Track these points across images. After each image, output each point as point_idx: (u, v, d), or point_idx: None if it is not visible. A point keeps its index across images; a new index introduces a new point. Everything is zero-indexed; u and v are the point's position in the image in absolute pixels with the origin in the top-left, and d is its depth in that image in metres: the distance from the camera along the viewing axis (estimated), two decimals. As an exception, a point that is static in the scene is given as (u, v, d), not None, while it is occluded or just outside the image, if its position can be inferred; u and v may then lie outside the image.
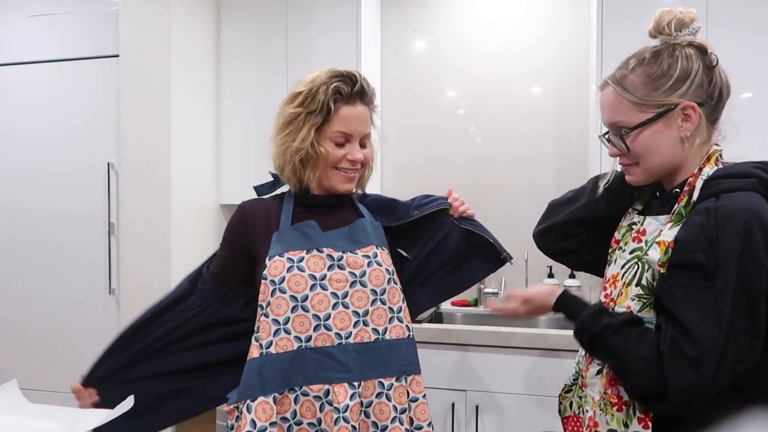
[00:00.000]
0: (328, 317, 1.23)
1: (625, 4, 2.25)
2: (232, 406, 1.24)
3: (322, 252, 1.26)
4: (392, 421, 1.23)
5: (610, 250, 1.20)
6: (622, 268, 1.11)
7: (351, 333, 1.24)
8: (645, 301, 1.04)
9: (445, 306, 2.72)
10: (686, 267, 0.95)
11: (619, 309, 1.07)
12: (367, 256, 1.28)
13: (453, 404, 2.18)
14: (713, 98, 1.05)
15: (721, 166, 1.06)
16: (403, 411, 1.25)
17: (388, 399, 1.24)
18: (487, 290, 2.68)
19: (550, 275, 2.62)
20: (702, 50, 1.06)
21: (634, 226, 1.14)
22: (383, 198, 1.47)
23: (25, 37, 2.71)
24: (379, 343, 1.26)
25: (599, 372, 1.11)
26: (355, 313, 1.25)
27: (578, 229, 1.28)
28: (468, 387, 2.17)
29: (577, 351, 1.28)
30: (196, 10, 2.61)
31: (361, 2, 2.55)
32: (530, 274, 2.63)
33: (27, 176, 2.72)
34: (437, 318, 2.64)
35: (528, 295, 1.22)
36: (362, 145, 1.32)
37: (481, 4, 2.77)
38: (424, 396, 1.28)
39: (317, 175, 1.30)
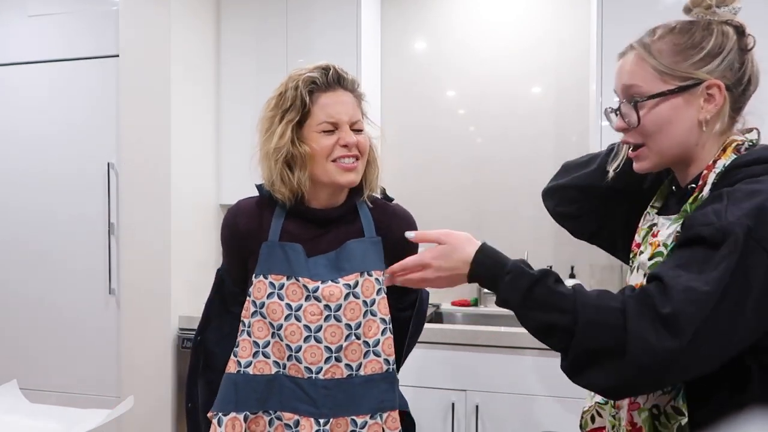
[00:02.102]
0: (299, 349, 1.19)
1: (625, 5, 2.25)
2: (211, 413, 1.23)
3: (299, 281, 1.21)
4: None
5: (631, 255, 1.09)
6: (645, 277, 0.97)
7: (322, 368, 1.19)
8: None
9: (445, 306, 2.72)
10: (687, 243, 0.86)
11: None
12: (348, 286, 1.20)
13: (453, 404, 2.18)
14: (741, 84, 0.96)
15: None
16: None
17: None
18: (487, 290, 2.67)
19: (550, 275, 2.62)
20: (740, 30, 0.96)
21: (653, 228, 1.03)
22: (409, 219, 1.34)
23: (25, 37, 2.71)
24: (353, 380, 1.20)
25: None
26: (328, 348, 1.19)
27: (581, 195, 1.19)
28: (468, 387, 2.17)
29: None
30: (196, 10, 2.61)
31: (361, 2, 2.55)
32: (530, 274, 2.63)
33: (27, 176, 2.72)
34: (437, 318, 2.64)
35: (425, 259, 1.02)
36: (357, 131, 1.23)
37: (481, 4, 2.77)
38: None
39: (309, 174, 1.21)
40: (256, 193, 1.34)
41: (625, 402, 1.01)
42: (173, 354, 2.47)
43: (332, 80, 1.22)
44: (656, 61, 0.95)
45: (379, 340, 1.21)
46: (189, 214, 2.58)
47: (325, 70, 1.22)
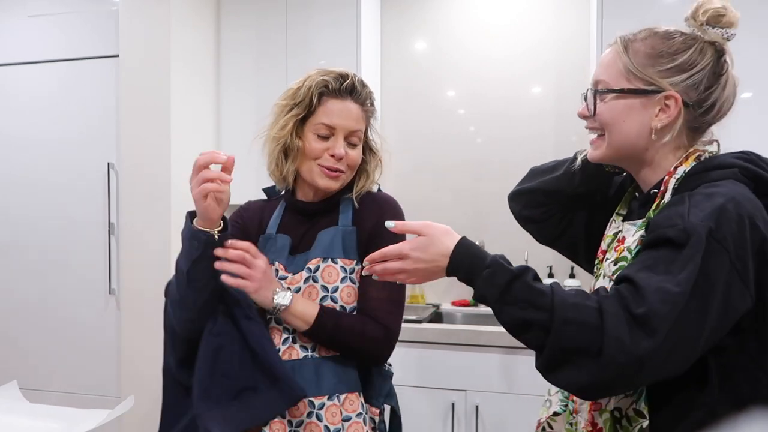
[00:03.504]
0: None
1: (625, 5, 2.25)
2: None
3: (274, 264, 1.27)
4: None
5: (596, 262, 1.10)
6: (611, 282, 0.99)
7: (280, 350, 1.22)
8: None
9: (445, 306, 2.72)
10: (652, 245, 0.87)
11: None
12: (309, 270, 1.24)
13: (453, 404, 2.18)
14: (702, 106, 0.97)
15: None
16: (337, 431, 1.20)
17: (319, 419, 1.20)
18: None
19: (550, 275, 2.62)
20: (719, 53, 0.98)
21: (619, 234, 1.05)
22: (387, 204, 1.34)
23: (25, 37, 2.71)
24: (307, 361, 1.22)
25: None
26: (286, 329, 1.23)
27: (547, 200, 1.20)
28: (468, 387, 2.17)
29: None
30: (196, 11, 2.61)
31: (361, 1, 2.55)
32: (530, 274, 2.63)
33: (27, 176, 2.73)
34: (437, 318, 2.64)
35: (404, 249, 0.98)
36: (351, 144, 1.28)
37: (481, 5, 2.77)
38: (359, 415, 1.22)
39: (297, 168, 1.28)
40: (256, 193, 1.42)
41: (585, 406, 1.01)
42: (173, 354, 2.47)
43: (345, 89, 1.26)
44: (628, 60, 0.98)
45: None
46: (189, 214, 2.57)
47: (343, 78, 1.27)
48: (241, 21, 2.71)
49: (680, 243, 0.84)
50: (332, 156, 1.25)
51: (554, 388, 1.16)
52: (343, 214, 1.30)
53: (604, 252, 1.08)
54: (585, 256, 1.21)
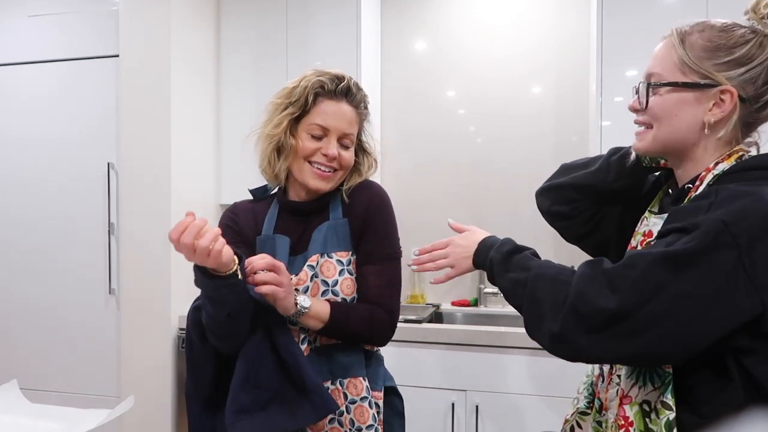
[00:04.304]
0: None
1: (625, 5, 2.25)
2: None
3: None
4: (330, 422, 1.25)
5: None
6: None
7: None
8: None
9: (445, 306, 2.72)
10: (663, 234, 0.87)
11: None
12: (312, 267, 1.26)
13: (453, 404, 2.18)
14: (759, 101, 0.95)
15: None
16: (341, 414, 1.26)
17: None
18: (487, 290, 2.68)
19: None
20: None
21: (646, 230, 1.05)
22: (372, 190, 1.35)
23: (25, 37, 2.71)
24: (310, 352, 1.26)
25: (617, 393, 1.02)
26: (302, 329, 1.26)
27: (578, 195, 1.19)
28: (468, 387, 2.17)
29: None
30: (196, 10, 2.61)
31: (361, 1, 2.55)
32: (530, 274, 2.63)
33: (27, 176, 2.73)
34: (437, 318, 2.64)
35: (451, 239, 1.21)
36: (344, 146, 1.29)
37: (481, 4, 2.77)
38: (364, 399, 1.26)
39: (289, 167, 1.29)
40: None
41: (615, 402, 1.01)
42: (173, 354, 2.47)
43: (340, 91, 1.28)
44: (684, 52, 0.96)
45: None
46: (189, 214, 2.57)
47: (339, 80, 1.28)
48: (241, 21, 2.71)
49: (687, 230, 0.84)
50: (325, 155, 1.26)
51: (582, 386, 1.16)
52: (333, 209, 1.32)
53: (634, 248, 1.07)
54: (616, 254, 1.18)
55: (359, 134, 1.35)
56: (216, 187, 2.76)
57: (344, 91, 1.28)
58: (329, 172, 1.28)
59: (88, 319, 2.65)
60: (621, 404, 0.98)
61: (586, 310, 0.84)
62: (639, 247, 1.03)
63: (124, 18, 2.50)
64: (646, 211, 1.10)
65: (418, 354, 2.21)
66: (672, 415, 0.91)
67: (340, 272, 1.27)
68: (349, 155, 1.30)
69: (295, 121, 1.28)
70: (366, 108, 1.34)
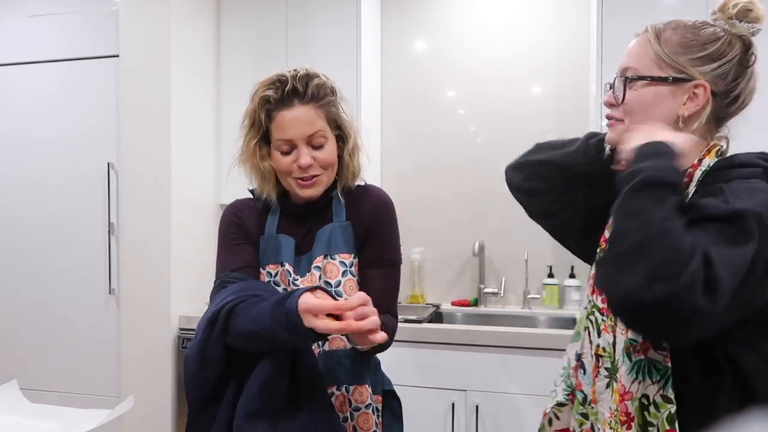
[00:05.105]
0: None
1: (625, 5, 2.25)
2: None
3: (284, 266, 1.26)
4: None
5: (598, 249, 1.12)
6: None
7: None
8: None
9: (445, 306, 2.72)
10: (697, 221, 0.87)
11: None
12: (318, 268, 1.25)
13: (453, 404, 2.18)
14: (729, 96, 1.00)
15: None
16: (345, 420, 1.25)
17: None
18: (487, 290, 2.68)
19: (550, 275, 2.62)
20: (747, 46, 1.01)
21: None
22: (379, 198, 1.33)
23: (25, 37, 2.71)
24: (318, 355, 1.25)
25: (608, 386, 1.04)
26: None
27: (553, 173, 1.20)
28: (468, 387, 2.17)
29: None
30: (196, 10, 2.61)
31: (361, 1, 2.55)
32: (530, 274, 2.63)
33: (27, 176, 2.73)
34: (437, 318, 2.64)
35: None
36: (317, 146, 1.23)
37: (480, 4, 2.77)
38: (368, 406, 1.26)
39: (274, 186, 1.28)
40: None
41: (607, 395, 1.03)
42: (173, 354, 2.47)
43: (287, 95, 1.22)
44: (660, 48, 1.00)
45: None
46: (189, 214, 2.58)
47: (282, 83, 1.22)
48: (241, 21, 2.71)
49: (728, 219, 0.85)
50: (300, 167, 1.22)
51: (560, 378, 1.17)
52: (336, 210, 1.31)
53: (607, 240, 1.06)
54: (578, 238, 1.21)
55: (333, 120, 1.26)
56: (216, 187, 2.76)
57: (291, 93, 1.22)
58: (311, 179, 1.24)
59: (88, 319, 2.65)
60: (622, 400, 0.98)
61: (672, 258, 0.80)
62: None
63: (124, 18, 2.50)
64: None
65: (418, 354, 2.21)
66: (673, 408, 0.93)
67: (343, 273, 1.26)
68: (325, 154, 1.24)
69: (265, 141, 1.26)
70: (325, 95, 1.24)
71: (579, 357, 1.13)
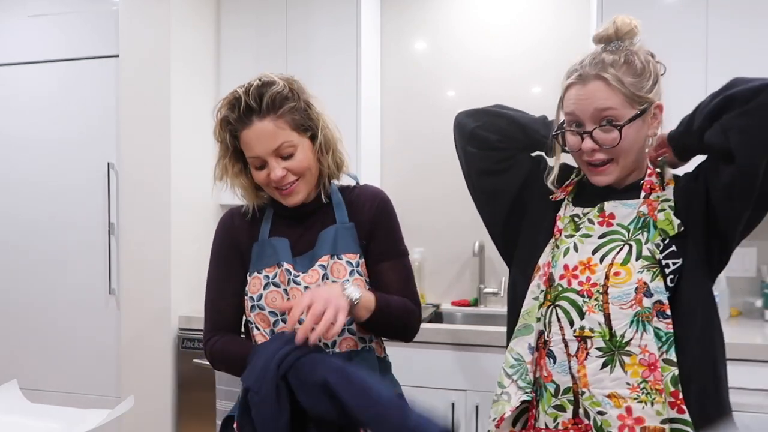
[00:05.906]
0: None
1: (625, 5, 2.24)
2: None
3: (282, 266, 1.26)
4: None
5: (552, 240, 1.19)
6: (594, 253, 1.13)
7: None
8: (654, 270, 1.07)
9: (445, 306, 2.72)
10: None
11: (626, 287, 1.07)
12: (323, 267, 1.25)
13: (453, 404, 2.18)
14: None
15: None
16: None
17: None
18: (487, 290, 2.68)
19: (550, 275, 2.62)
20: (654, 57, 1.14)
21: (587, 214, 1.17)
22: (377, 197, 1.35)
23: (25, 37, 2.71)
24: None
25: (606, 364, 1.06)
26: None
27: (510, 127, 1.27)
28: (468, 387, 2.17)
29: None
30: (196, 10, 2.61)
31: (361, 1, 2.55)
32: (530, 274, 2.63)
33: (27, 176, 2.73)
34: (437, 318, 2.64)
35: None
36: (286, 156, 1.22)
37: (481, 4, 2.77)
38: None
39: (255, 196, 1.32)
40: None
41: (604, 375, 1.07)
42: (173, 354, 2.47)
43: (244, 114, 1.22)
44: (626, 89, 1.09)
45: (352, 319, 1.22)
46: (189, 214, 2.57)
47: (237, 101, 1.22)
48: (241, 20, 2.71)
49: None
50: (274, 180, 1.23)
51: (506, 381, 1.17)
52: (338, 211, 1.31)
53: (560, 231, 1.19)
54: (504, 217, 1.26)
55: (299, 125, 1.24)
56: (216, 187, 2.75)
57: (246, 111, 1.21)
58: (288, 187, 1.25)
59: (88, 319, 2.65)
60: (653, 369, 1.04)
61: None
62: (581, 228, 1.16)
63: (124, 18, 2.50)
64: (566, 199, 1.21)
65: (418, 354, 2.21)
66: (676, 371, 1.03)
67: (350, 273, 1.27)
68: (296, 162, 1.23)
69: (238, 157, 1.29)
70: (283, 101, 1.21)
71: (535, 349, 1.14)
